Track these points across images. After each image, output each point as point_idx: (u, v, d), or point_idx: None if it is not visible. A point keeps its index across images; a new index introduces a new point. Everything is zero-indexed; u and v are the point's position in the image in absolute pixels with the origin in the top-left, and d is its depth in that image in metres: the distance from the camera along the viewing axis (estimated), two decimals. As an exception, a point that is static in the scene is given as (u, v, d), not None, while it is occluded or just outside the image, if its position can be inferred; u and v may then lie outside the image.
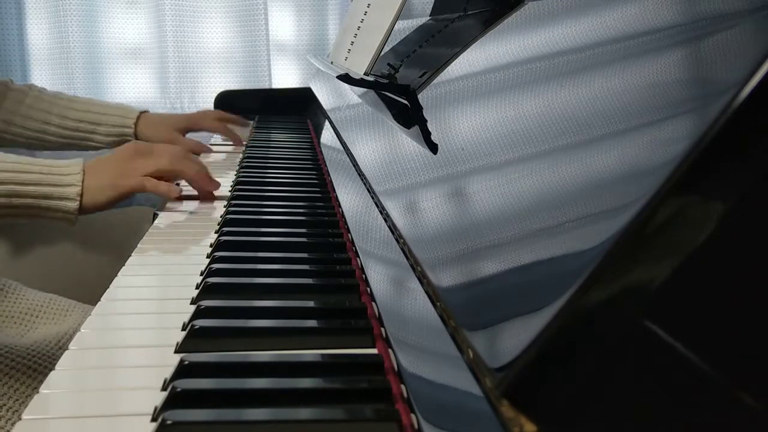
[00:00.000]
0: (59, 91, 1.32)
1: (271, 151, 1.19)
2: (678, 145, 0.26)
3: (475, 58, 0.61)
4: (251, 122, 1.50)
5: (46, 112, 1.24)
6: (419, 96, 0.64)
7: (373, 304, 0.52)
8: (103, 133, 1.26)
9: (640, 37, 0.38)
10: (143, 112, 1.28)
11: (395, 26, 0.81)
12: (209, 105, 1.63)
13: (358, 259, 0.63)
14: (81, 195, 0.82)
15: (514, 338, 0.29)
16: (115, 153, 0.88)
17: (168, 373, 0.43)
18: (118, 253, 0.81)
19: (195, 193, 0.91)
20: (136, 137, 1.25)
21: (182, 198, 0.90)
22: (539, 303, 0.28)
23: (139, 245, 0.72)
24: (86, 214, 0.84)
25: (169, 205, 0.89)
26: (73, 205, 0.82)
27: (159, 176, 0.86)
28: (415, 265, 0.47)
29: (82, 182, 0.83)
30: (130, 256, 0.68)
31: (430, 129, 0.57)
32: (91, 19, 1.65)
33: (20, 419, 0.39)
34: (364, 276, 0.58)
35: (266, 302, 0.54)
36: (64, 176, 0.83)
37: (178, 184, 0.91)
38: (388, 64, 0.81)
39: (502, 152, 0.45)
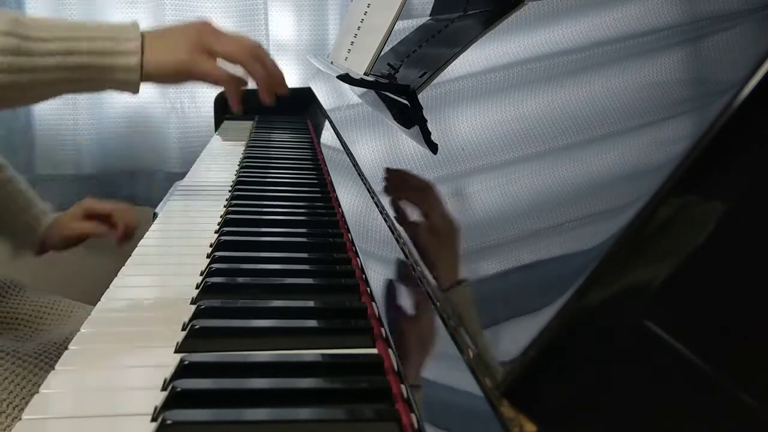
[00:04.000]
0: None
1: (271, 151, 1.19)
2: (678, 145, 0.26)
3: (475, 58, 0.61)
4: (252, 121, 1.51)
5: None
6: (419, 96, 0.64)
7: (373, 304, 0.52)
8: None
9: (640, 37, 0.38)
10: None
11: (395, 26, 0.81)
12: (209, 105, 1.63)
13: (358, 259, 0.62)
14: (142, 51, 0.75)
15: (514, 338, 0.29)
16: (182, 27, 0.81)
17: (168, 373, 0.43)
18: (119, 253, 0.80)
19: (195, 194, 0.90)
20: None
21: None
22: (539, 303, 0.28)
23: (139, 245, 0.72)
24: (150, 81, 0.78)
25: (169, 204, 0.89)
26: (134, 60, 0.74)
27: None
28: (415, 265, 0.47)
29: (142, 37, 0.76)
30: (130, 256, 0.68)
31: (430, 129, 0.57)
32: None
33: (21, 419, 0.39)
34: (364, 276, 0.58)
35: (266, 302, 0.54)
36: (120, 31, 0.75)
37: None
38: (388, 64, 0.82)
39: (502, 152, 0.45)
